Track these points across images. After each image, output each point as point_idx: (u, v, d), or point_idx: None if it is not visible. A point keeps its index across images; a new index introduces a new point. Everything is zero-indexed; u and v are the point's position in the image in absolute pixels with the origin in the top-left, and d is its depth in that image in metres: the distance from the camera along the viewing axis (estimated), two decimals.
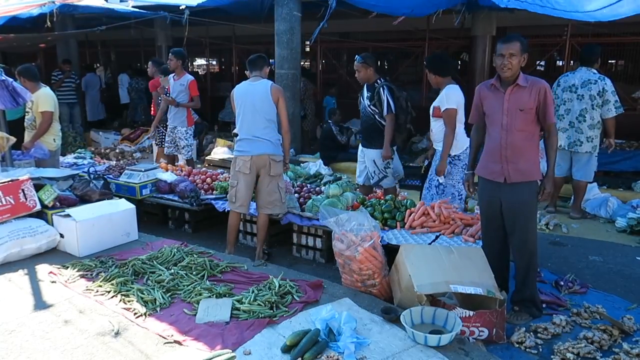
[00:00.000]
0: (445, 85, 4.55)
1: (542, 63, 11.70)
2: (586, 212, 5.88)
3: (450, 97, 4.48)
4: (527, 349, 3.05)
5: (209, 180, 5.61)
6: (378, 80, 4.99)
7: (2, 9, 8.51)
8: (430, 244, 4.00)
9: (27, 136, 5.57)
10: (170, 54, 6.49)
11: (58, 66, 11.24)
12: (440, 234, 4.21)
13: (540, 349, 3.05)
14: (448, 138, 4.49)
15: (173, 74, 6.58)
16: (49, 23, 7.64)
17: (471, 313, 2.99)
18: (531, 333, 3.20)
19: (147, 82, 8.45)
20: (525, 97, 3.25)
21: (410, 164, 8.24)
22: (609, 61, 10.97)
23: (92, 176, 4.89)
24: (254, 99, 4.25)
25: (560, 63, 11.00)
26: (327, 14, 6.53)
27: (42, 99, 5.40)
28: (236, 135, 4.42)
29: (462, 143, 4.56)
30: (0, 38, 7.31)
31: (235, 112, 4.39)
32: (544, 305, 3.56)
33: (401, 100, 5.00)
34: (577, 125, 5.50)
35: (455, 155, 4.59)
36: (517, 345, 3.08)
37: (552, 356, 2.96)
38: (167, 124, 6.73)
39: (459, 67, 12.63)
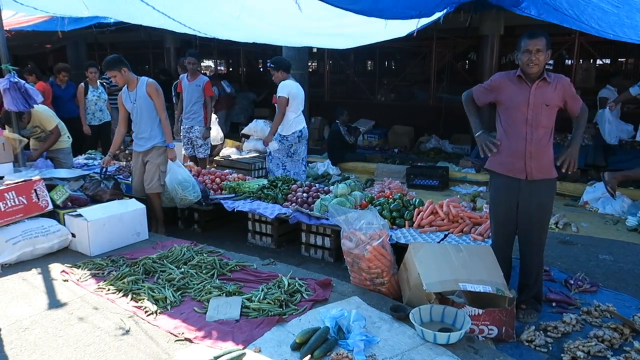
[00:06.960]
0: (283, 80, 5.68)
1: (551, 62, 11.64)
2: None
3: (283, 88, 5.61)
4: (537, 348, 3.03)
5: (218, 180, 5.65)
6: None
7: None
8: (439, 242, 4.00)
9: (33, 144, 5.72)
10: (190, 57, 6.52)
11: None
12: (448, 233, 4.21)
13: (550, 348, 3.04)
14: (277, 118, 5.71)
15: (186, 74, 6.62)
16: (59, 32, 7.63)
17: (480, 311, 2.99)
18: (541, 331, 3.18)
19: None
20: (550, 92, 3.19)
21: (419, 164, 8.24)
22: (619, 59, 10.89)
23: (102, 177, 4.96)
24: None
25: (569, 62, 10.93)
26: None
27: (45, 119, 5.48)
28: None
29: (290, 127, 5.70)
30: (12, 34, 7.29)
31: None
32: (553, 304, 3.56)
33: None
34: None
35: (284, 135, 5.74)
36: (527, 344, 3.07)
37: (562, 355, 2.95)
38: (183, 124, 6.78)
39: (466, 66, 12.59)
